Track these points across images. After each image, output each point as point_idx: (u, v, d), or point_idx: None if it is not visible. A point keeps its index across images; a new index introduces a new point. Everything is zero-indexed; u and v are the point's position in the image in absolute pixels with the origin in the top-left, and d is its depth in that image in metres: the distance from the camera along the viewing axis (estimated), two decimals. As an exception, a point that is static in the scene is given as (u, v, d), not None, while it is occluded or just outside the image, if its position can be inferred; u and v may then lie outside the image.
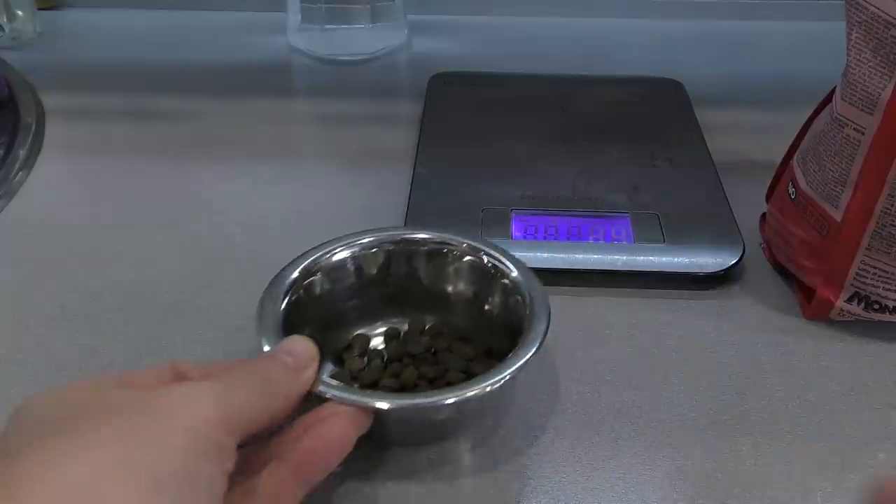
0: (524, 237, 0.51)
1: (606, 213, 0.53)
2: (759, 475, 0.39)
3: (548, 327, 0.39)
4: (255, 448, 0.34)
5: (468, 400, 0.36)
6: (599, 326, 0.47)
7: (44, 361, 0.45)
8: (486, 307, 0.44)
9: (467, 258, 0.44)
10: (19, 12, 0.75)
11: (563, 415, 0.42)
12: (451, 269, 0.44)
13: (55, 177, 0.60)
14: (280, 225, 0.55)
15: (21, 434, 0.29)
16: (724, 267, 0.49)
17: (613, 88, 0.67)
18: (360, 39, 0.74)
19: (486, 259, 0.43)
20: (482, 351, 0.43)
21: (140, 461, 0.28)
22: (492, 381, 0.37)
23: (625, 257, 0.50)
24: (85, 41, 0.78)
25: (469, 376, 0.40)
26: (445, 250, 0.44)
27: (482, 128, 0.62)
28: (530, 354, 0.38)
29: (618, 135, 0.61)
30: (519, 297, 0.41)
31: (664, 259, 0.50)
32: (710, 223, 0.52)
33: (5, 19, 0.74)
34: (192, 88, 0.70)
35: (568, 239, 0.51)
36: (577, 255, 0.49)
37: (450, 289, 0.45)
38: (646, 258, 0.50)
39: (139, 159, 0.61)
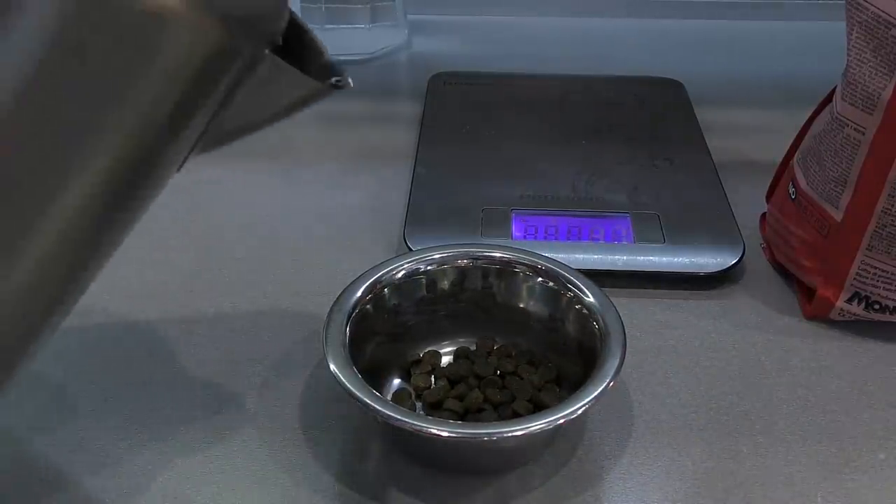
0: (524, 237, 0.51)
1: (606, 213, 0.53)
2: (759, 475, 0.39)
3: (621, 364, 0.38)
4: None
5: (532, 434, 0.36)
6: (599, 326, 0.47)
7: (43, 362, 0.45)
8: (559, 331, 0.43)
9: (541, 279, 0.43)
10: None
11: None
12: (524, 288, 0.44)
13: (55, 177, 0.60)
14: (280, 225, 0.55)
15: None
16: (724, 267, 0.49)
17: (613, 88, 0.67)
18: (360, 39, 0.74)
19: (560, 281, 0.43)
20: (551, 377, 0.42)
21: None
22: (560, 415, 0.36)
23: (625, 257, 0.50)
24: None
25: (536, 405, 0.40)
26: (518, 269, 0.44)
27: (482, 127, 0.62)
28: (596, 394, 0.37)
29: (618, 135, 0.61)
30: (594, 324, 0.41)
31: (664, 259, 0.50)
32: (710, 223, 0.52)
33: (5, 19, 0.74)
34: (192, 88, 0.70)
35: (568, 239, 0.51)
36: (577, 255, 0.49)
37: (522, 309, 0.44)
38: (646, 258, 0.50)
39: (139, 159, 0.61)
